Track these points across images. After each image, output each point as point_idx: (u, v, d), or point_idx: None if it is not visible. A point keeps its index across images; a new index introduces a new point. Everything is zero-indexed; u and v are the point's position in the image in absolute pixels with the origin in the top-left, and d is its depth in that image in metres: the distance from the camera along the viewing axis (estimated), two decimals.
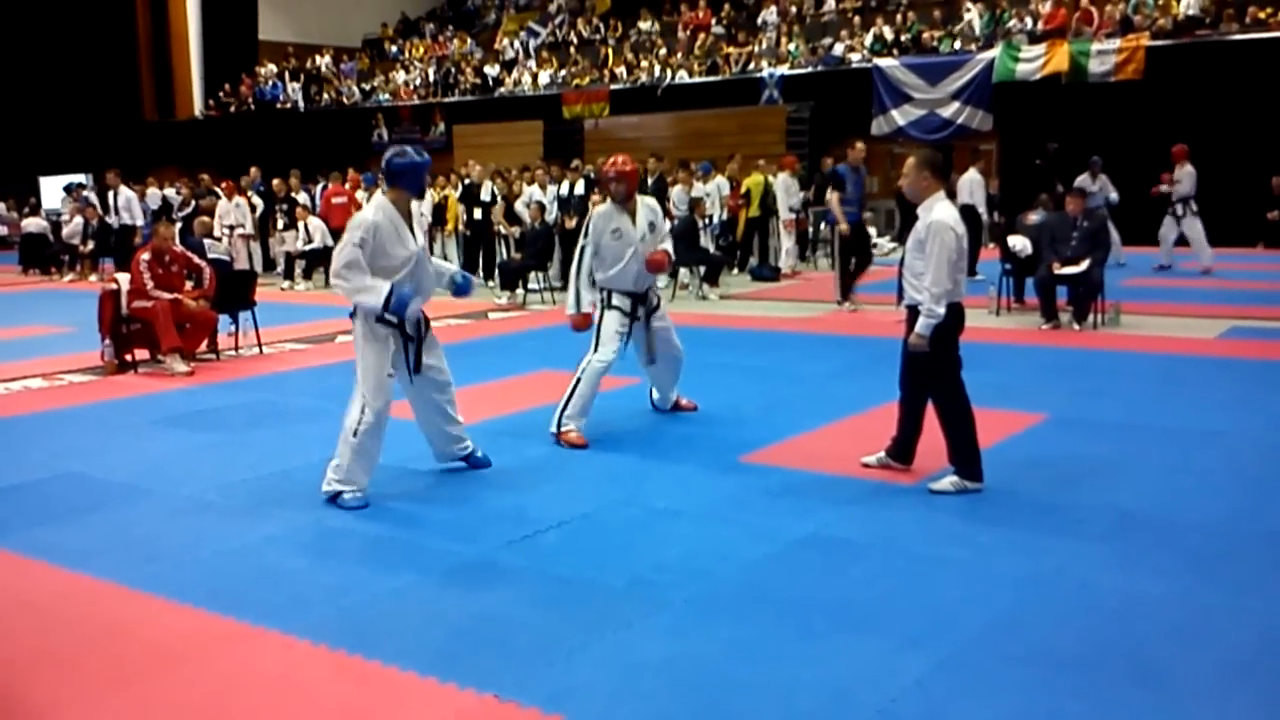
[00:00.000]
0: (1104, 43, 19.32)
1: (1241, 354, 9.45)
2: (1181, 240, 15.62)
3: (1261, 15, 18.76)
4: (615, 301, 7.28)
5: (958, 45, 21.36)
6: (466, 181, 17.14)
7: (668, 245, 7.42)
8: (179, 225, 14.14)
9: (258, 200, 19.28)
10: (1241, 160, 17.82)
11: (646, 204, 7.38)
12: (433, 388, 6.24)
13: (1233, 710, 3.50)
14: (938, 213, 5.70)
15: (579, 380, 7.14)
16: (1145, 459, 6.34)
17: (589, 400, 7.12)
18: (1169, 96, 18.28)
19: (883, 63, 21.45)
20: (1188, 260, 15.90)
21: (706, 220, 15.84)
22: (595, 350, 7.22)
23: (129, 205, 18.19)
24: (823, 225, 18.73)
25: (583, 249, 7.27)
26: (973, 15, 21.73)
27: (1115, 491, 5.74)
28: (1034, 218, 12.14)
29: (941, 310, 5.63)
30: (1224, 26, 18.91)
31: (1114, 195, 15.39)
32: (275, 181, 19.16)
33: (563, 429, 7.10)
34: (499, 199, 16.56)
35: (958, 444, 5.83)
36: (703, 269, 15.00)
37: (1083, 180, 14.89)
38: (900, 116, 21.23)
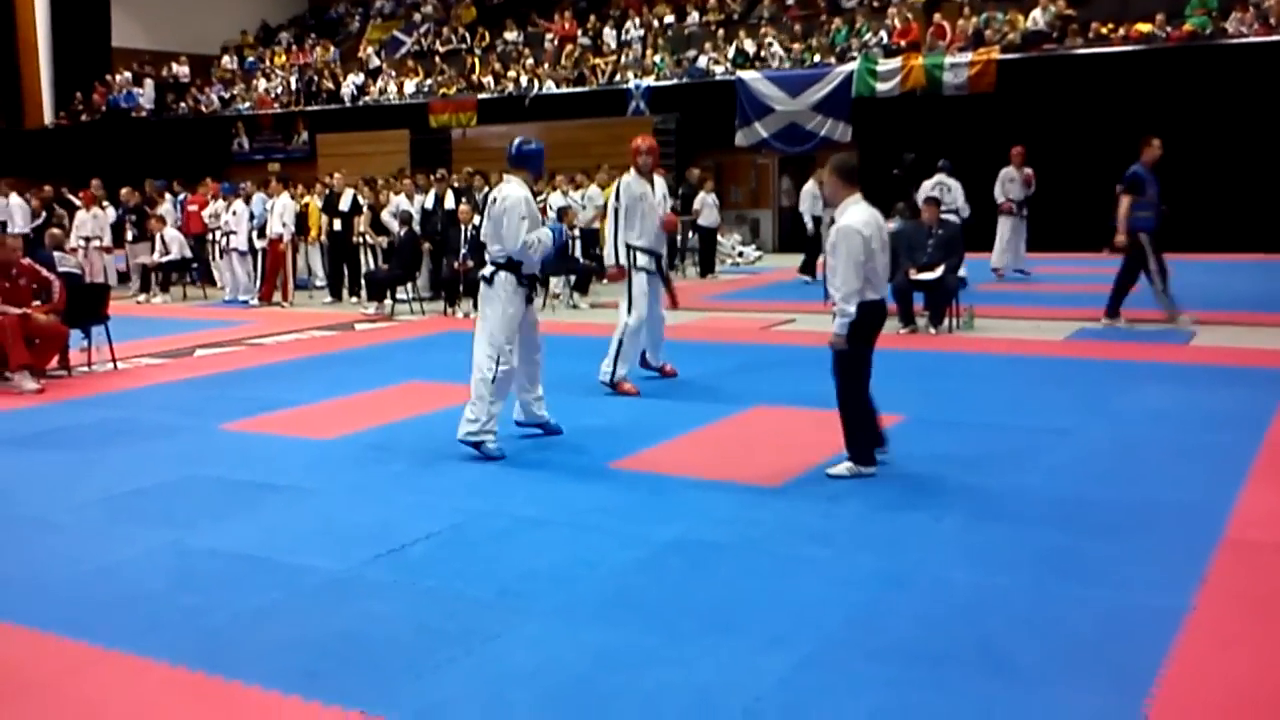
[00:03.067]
0: (957, 56, 19.98)
1: (1088, 354, 9.86)
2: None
3: (1104, 30, 19.63)
4: (641, 262, 8.64)
5: (817, 59, 21.82)
6: (330, 191, 16.82)
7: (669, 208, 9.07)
8: (29, 236, 13.59)
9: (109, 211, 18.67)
10: (1087, 168, 18.60)
11: (658, 178, 8.90)
12: (532, 348, 7.09)
13: (1079, 694, 3.66)
14: (846, 217, 5.96)
15: (621, 340, 8.58)
16: (997, 457, 6.57)
17: (631, 355, 8.67)
18: (1019, 108, 18.99)
19: (745, 75, 21.80)
20: (1041, 265, 16.53)
21: (576, 229, 15.84)
22: (630, 312, 8.59)
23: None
24: (690, 234, 19.00)
25: (615, 212, 8.60)
26: (775, 46, 22.27)
27: (968, 489, 5.94)
28: (891, 226, 12.45)
29: (851, 309, 5.88)
30: (1069, 41, 19.73)
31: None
32: (124, 191, 18.60)
33: (617, 381, 8.57)
34: (364, 208, 16.30)
35: (853, 433, 6.16)
36: (573, 278, 15.05)
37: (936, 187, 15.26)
38: (763, 128, 21.62)
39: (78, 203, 18.43)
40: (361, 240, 16.10)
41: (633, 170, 8.77)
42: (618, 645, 4.12)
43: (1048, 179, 17.00)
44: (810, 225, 16.85)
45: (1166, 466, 6.33)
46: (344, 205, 16.10)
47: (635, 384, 8.74)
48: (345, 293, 16.28)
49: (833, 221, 6.24)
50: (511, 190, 6.87)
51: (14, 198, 17.80)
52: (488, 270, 6.90)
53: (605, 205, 16.55)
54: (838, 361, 6.11)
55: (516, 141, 7.11)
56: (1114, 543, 5.09)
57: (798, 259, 20.61)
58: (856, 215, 5.95)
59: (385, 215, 15.95)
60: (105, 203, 18.38)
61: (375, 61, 28.00)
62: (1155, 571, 4.71)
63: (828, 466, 6.22)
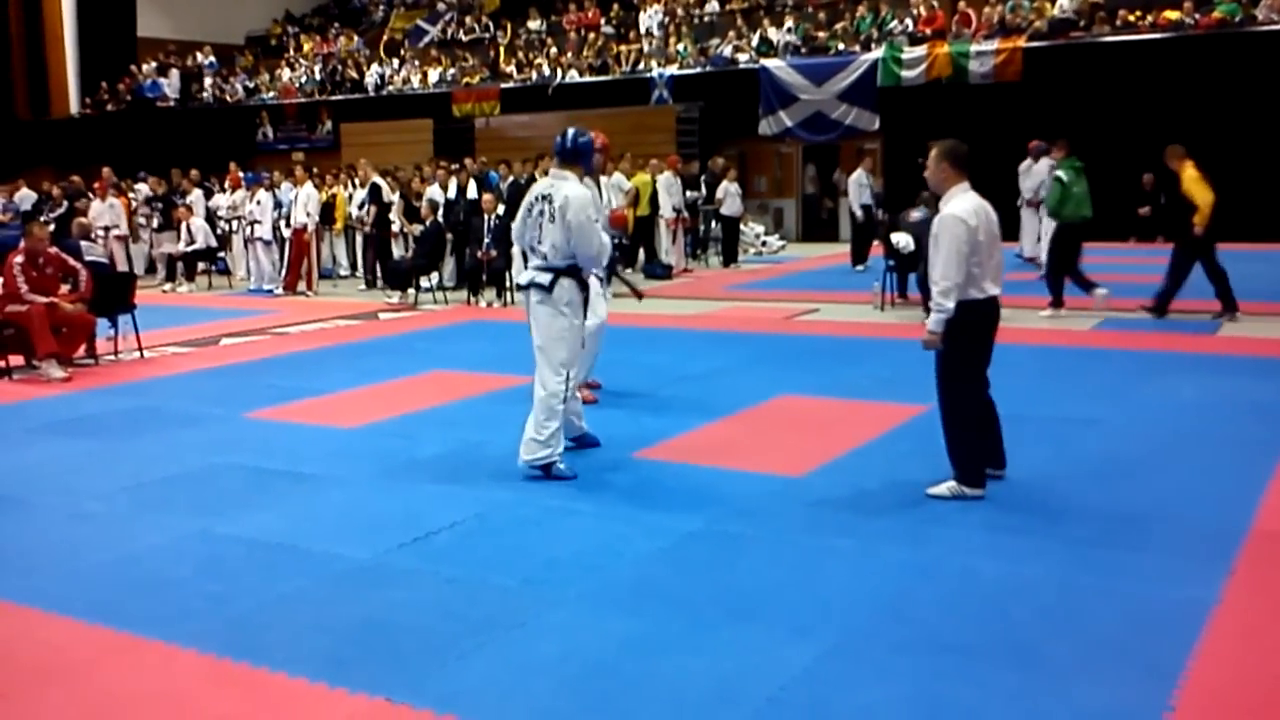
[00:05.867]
0: (982, 44, 19.85)
1: (1114, 345, 9.79)
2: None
3: (1131, 18, 19.46)
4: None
5: (841, 46, 21.72)
6: (372, 182, 17.04)
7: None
8: (52, 226, 13.67)
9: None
10: (1114, 158, 18.45)
11: (606, 178, 7.93)
12: (587, 353, 6.61)
13: (1106, 686, 3.64)
14: (951, 205, 5.52)
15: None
16: (1023, 448, 6.48)
17: (593, 358, 7.69)
18: (1046, 96, 18.83)
19: (769, 63, 21.72)
20: None
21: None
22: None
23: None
24: (713, 223, 18.98)
25: None
26: (779, 34, 22.20)
27: (994, 480, 5.89)
28: (916, 215, 12.40)
29: (950, 304, 5.39)
30: (1096, 29, 19.56)
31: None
32: (149, 180, 18.78)
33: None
34: (390, 198, 16.47)
35: (959, 449, 5.64)
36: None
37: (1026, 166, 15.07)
38: (788, 117, 21.53)
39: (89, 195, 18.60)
40: (390, 229, 16.24)
41: (570, 131, 7.76)
42: (642, 634, 4.12)
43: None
44: (860, 214, 16.73)
45: (1194, 457, 6.29)
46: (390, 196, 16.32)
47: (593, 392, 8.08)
48: (377, 281, 16.45)
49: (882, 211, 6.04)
50: (575, 190, 6.10)
51: None
52: (544, 277, 6.08)
53: (636, 193, 16.81)
54: (944, 365, 5.61)
55: (571, 133, 6.33)
56: (1141, 534, 5.06)
57: (821, 248, 20.62)
58: (963, 204, 5.48)
59: (425, 206, 16.00)
60: (131, 191, 18.55)
61: (399, 50, 28.07)
62: (1182, 563, 4.68)
63: (929, 486, 5.68)
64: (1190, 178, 11.16)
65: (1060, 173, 11.90)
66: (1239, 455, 6.25)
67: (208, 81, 29.34)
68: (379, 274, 16.24)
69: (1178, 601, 4.27)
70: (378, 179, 16.72)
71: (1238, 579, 4.50)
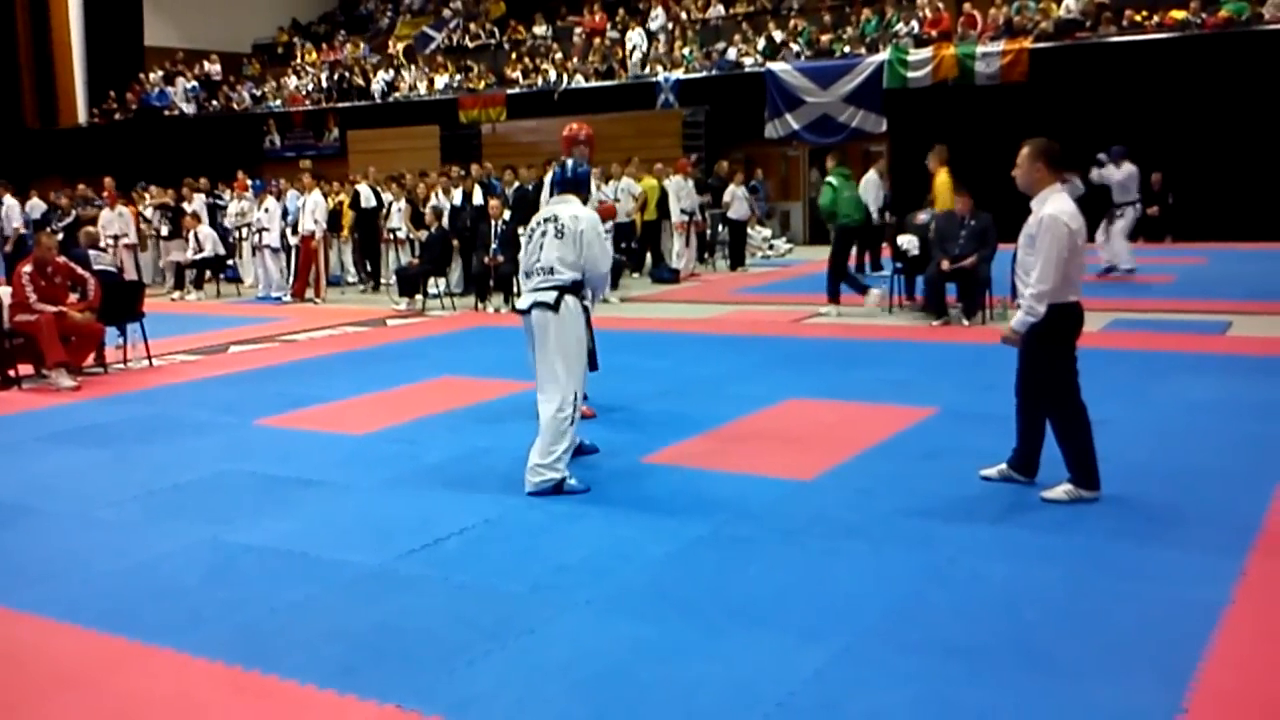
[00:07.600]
0: (988, 45, 19.83)
1: (1124, 345, 9.75)
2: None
3: (1137, 18, 19.42)
4: None
5: (847, 49, 21.72)
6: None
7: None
8: (60, 236, 13.74)
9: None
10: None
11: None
12: None
13: (1118, 688, 3.62)
14: (1051, 206, 5.39)
15: None
16: None
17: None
18: (1053, 97, 18.81)
19: (775, 67, 21.72)
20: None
21: (610, 223, 15.86)
22: None
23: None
24: (720, 227, 18.98)
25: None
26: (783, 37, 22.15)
27: (1003, 481, 5.89)
28: (923, 217, 12.40)
29: (1042, 309, 5.37)
30: (1103, 29, 19.53)
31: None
32: (153, 189, 18.89)
33: None
34: (389, 205, 16.61)
35: (1072, 453, 5.54)
36: None
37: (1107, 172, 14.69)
38: (794, 120, 21.52)
39: (99, 201, 18.69)
40: (393, 236, 16.30)
41: (569, 162, 7.11)
42: (652, 638, 4.12)
43: (1083, 168, 16.84)
44: (876, 217, 16.53)
45: (1204, 458, 6.27)
46: (364, 203, 16.48)
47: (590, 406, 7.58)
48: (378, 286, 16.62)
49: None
50: (584, 212, 6.15)
51: (8, 199, 18.04)
52: (549, 296, 5.95)
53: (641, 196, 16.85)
54: (1040, 372, 5.57)
55: (569, 164, 6.55)
56: (1152, 535, 5.04)
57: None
58: (1062, 205, 5.38)
59: (429, 212, 16.07)
60: (141, 200, 18.64)
61: (405, 57, 28.14)
62: (1193, 564, 4.67)
63: (1043, 490, 5.59)
64: (941, 183, 12.05)
65: (832, 179, 12.59)
66: (1249, 455, 6.23)
67: (190, 107, 29.39)
68: (372, 277, 16.50)
69: (1189, 602, 4.26)
70: (360, 186, 16.91)
71: (1249, 580, 4.48)
